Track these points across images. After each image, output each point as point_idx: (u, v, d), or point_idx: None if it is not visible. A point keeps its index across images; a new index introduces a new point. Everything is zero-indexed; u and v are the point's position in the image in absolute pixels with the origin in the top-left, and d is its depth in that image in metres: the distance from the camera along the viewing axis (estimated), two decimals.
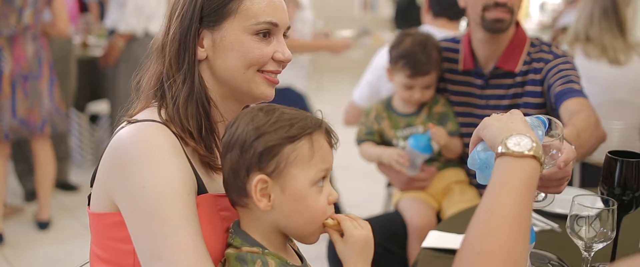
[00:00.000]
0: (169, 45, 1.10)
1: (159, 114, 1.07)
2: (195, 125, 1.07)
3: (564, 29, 3.90)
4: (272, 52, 1.11)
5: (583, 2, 2.66)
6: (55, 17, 3.23)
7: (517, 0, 1.77)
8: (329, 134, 1.02)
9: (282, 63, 1.14)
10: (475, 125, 1.90)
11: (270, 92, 1.14)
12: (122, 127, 1.06)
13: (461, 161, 2.00)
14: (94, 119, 4.41)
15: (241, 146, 0.97)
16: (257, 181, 0.96)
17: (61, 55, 3.70)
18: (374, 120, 2.01)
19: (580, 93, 1.69)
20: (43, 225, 3.32)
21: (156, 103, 1.10)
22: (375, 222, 2.03)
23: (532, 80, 1.81)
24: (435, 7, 2.63)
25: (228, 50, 1.09)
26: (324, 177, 1.00)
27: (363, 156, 2.06)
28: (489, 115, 1.84)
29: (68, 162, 3.99)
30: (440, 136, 1.83)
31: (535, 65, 1.82)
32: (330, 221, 1.01)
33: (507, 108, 1.85)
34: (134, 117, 1.07)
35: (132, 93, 1.15)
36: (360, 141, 2.05)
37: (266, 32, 1.10)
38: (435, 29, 2.55)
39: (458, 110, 1.94)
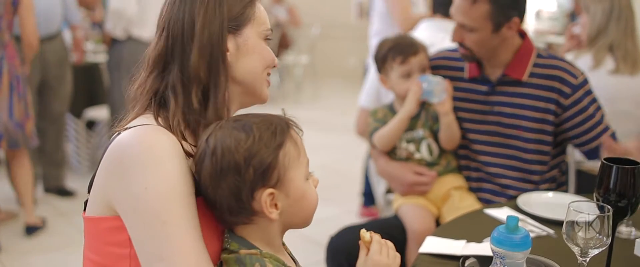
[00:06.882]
0: (197, 52, 1.08)
1: (157, 121, 1.08)
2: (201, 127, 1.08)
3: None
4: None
5: (619, 13, 2.58)
6: (21, 29, 3.11)
7: (472, 43, 1.82)
8: (294, 125, 1.07)
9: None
10: (479, 131, 1.95)
11: (268, 94, 1.21)
12: (119, 133, 1.06)
13: (459, 166, 2.02)
14: (90, 125, 4.41)
15: (236, 171, 0.98)
16: (266, 196, 0.99)
17: (57, 61, 3.70)
18: (382, 117, 2.03)
19: (614, 137, 1.87)
20: (30, 230, 3.30)
21: (151, 111, 1.10)
22: (374, 227, 2.04)
23: (547, 98, 1.84)
24: (434, 4, 2.82)
25: (250, 53, 1.14)
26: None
27: (382, 142, 1.99)
28: (492, 121, 1.88)
29: (64, 168, 3.98)
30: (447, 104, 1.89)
31: (557, 85, 1.83)
32: (367, 237, 1.06)
33: (509, 116, 1.88)
34: (129, 124, 1.08)
35: (127, 103, 1.15)
36: (374, 132, 2.02)
37: (268, 37, 1.17)
38: (432, 22, 2.72)
39: (463, 116, 1.96)
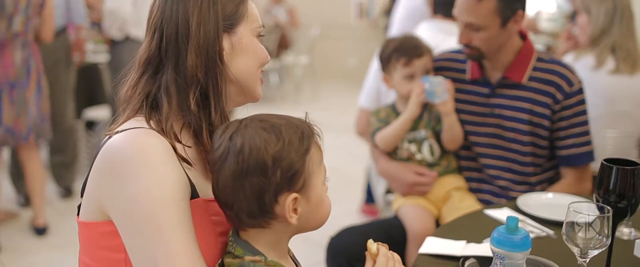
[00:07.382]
0: (193, 52, 1.06)
1: (148, 124, 1.06)
2: (200, 127, 1.07)
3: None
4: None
5: (622, 13, 2.58)
6: (41, 25, 3.22)
7: (480, 41, 1.80)
8: (316, 130, 1.06)
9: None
10: (479, 133, 1.95)
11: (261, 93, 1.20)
12: (110, 136, 1.05)
13: (460, 167, 2.02)
14: (90, 125, 4.41)
15: (263, 172, 0.96)
16: (291, 200, 0.98)
17: (52, 61, 3.68)
18: (385, 117, 2.03)
19: (588, 158, 1.86)
20: (40, 231, 3.32)
21: (143, 114, 1.08)
22: (374, 228, 2.04)
23: (543, 103, 1.85)
24: (434, 5, 2.77)
25: (245, 52, 1.12)
26: None
27: (384, 142, 2.00)
28: (492, 123, 1.88)
29: (75, 169, 3.98)
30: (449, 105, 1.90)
31: (552, 90, 1.84)
32: (373, 249, 1.06)
33: (509, 119, 1.88)
34: (120, 127, 1.06)
35: (118, 106, 1.13)
36: (376, 132, 2.02)
37: (260, 34, 1.16)
38: (433, 23, 2.69)
39: (464, 118, 1.96)
